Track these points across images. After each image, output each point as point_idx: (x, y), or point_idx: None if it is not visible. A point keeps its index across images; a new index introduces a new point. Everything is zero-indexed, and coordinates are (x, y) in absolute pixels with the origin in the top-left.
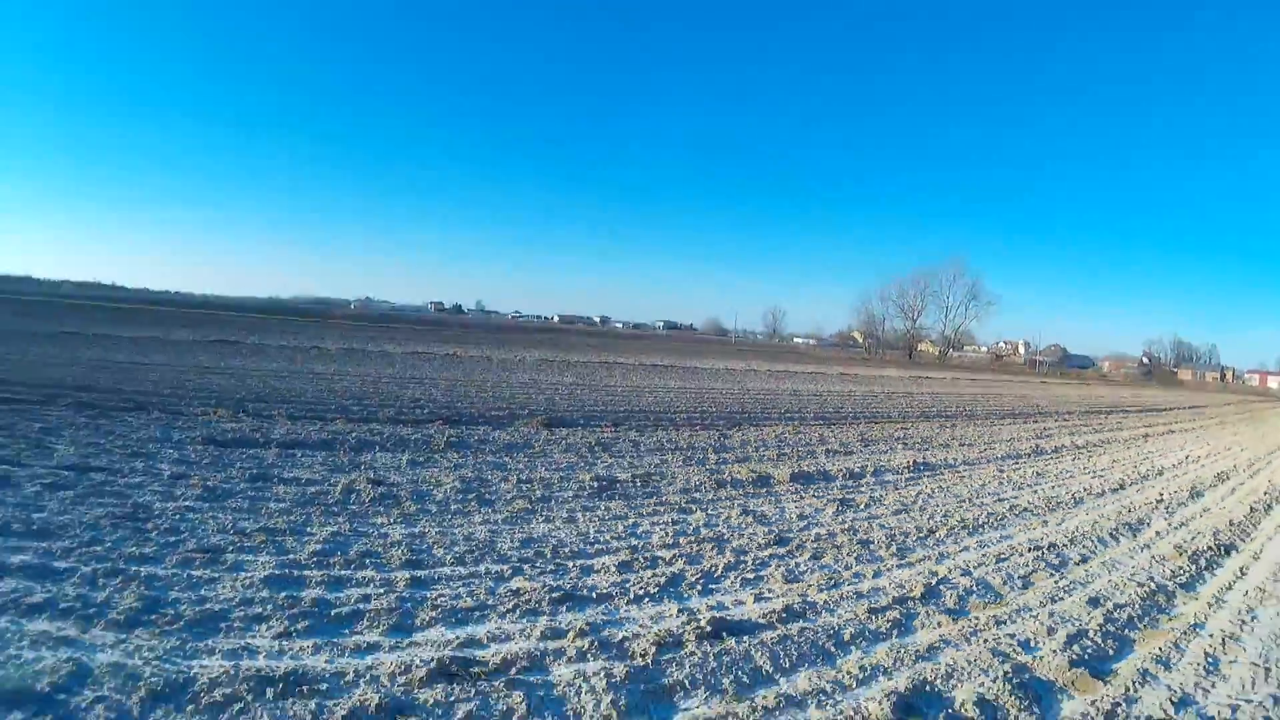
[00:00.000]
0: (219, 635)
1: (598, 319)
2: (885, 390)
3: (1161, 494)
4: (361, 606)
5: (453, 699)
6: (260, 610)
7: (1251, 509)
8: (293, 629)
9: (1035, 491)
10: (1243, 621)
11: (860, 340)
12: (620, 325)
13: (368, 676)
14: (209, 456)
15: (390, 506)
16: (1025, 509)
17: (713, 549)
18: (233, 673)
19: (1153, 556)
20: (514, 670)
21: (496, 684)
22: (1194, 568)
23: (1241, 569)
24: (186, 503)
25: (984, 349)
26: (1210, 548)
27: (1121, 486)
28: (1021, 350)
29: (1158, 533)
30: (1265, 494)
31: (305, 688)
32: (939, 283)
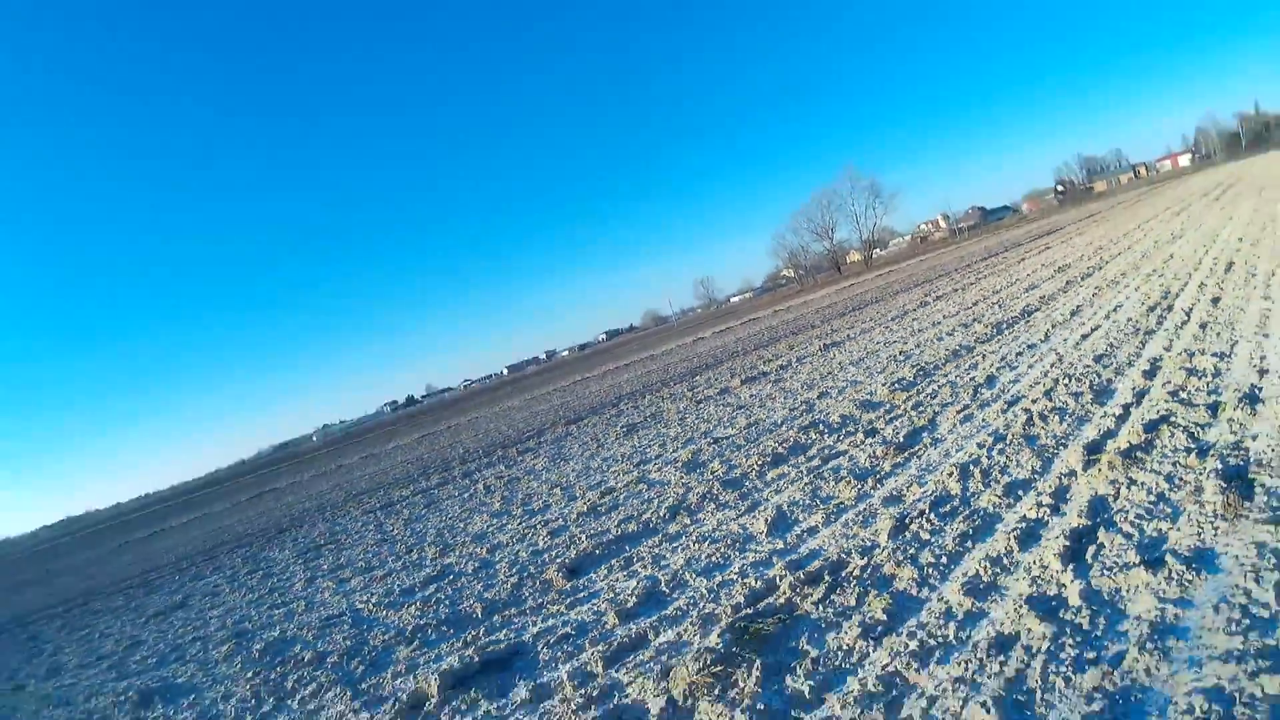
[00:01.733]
0: (592, 455)
1: (543, 354)
2: (810, 309)
3: (987, 299)
4: (589, 458)
5: (614, 491)
6: (579, 460)
7: (1059, 288)
8: (585, 456)
9: (906, 329)
10: (1010, 357)
11: (793, 275)
12: (565, 352)
13: (610, 467)
14: (434, 495)
15: (552, 460)
16: (894, 342)
17: (701, 422)
18: (600, 458)
19: (966, 336)
20: (635, 471)
21: (633, 480)
22: (994, 333)
23: (1028, 333)
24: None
25: (908, 237)
26: (1009, 320)
27: (975, 304)
28: (942, 223)
29: (967, 328)
30: (1057, 278)
31: (606, 489)
32: (840, 195)
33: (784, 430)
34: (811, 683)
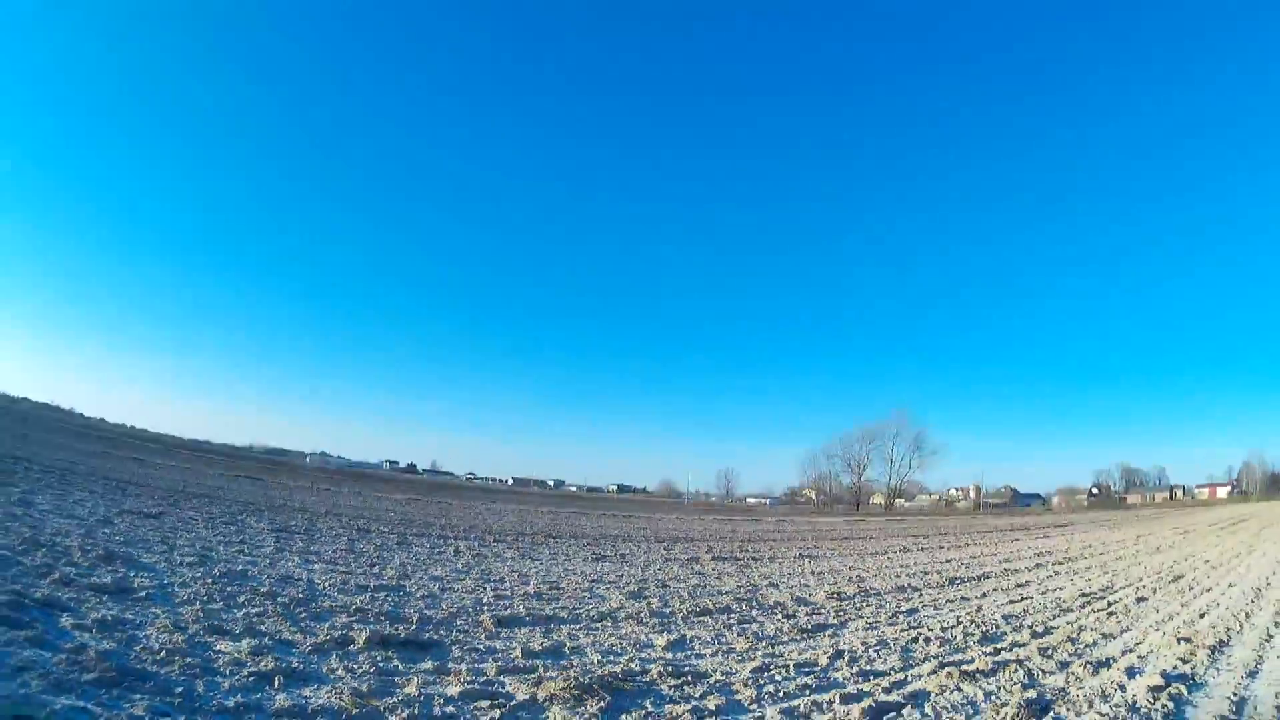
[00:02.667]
0: (557, 563)
1: (551, 481)
2: (810, 528)
3: (962, 560)
4: (554, 565)
5: (561, 589)
6: (544, 563)
7: (1027, 566)
8: (550, 562)
9: (877, 563)
10: (941, 602)
11: (812, 497)
12: (574, 488)
13: (568, 575)
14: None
15: (523, 555)
16: (858, 569)
17: (660, 573)
18: (563, 567)
19: (920, 580)
20: (586, 584)
21: (581, 588)
22: (945, 584)
23: (971, 590)
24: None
25: (934, 496)
26: (964, 578)
27: (948, 562)
28: (973, 494)
29: (926, 575)
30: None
31: (557, 587)
32: (883, 436)
33: (724, 598)
34: None
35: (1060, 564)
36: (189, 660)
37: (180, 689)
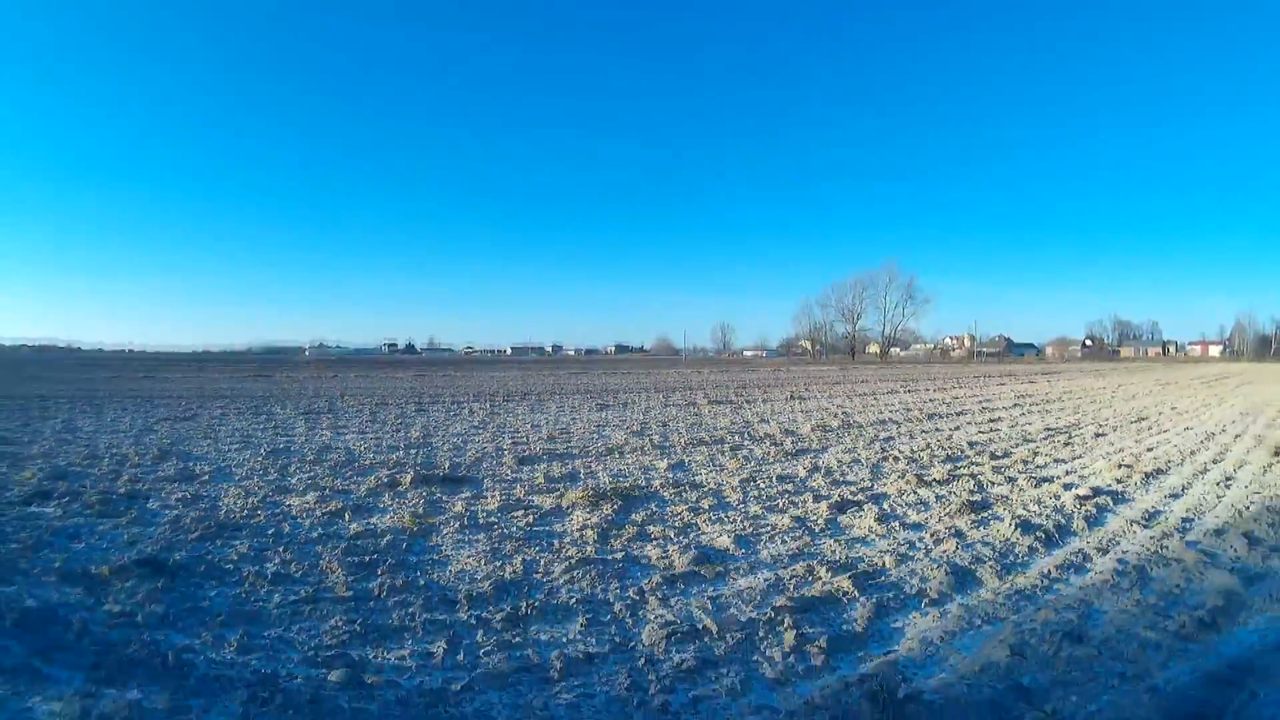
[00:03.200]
0: (565, 414)
1: (549, 347)
2: (804, 375)
3: (944, 400)
4: (562, 415)
5: (571, 433)
6: (552, 414)
7: (1003, 405)
8: (558, 413)
9: (864, 403)
10: (917, 433)
11: (808, 347)
12: (572, 351)
13: (576, 422)
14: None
15: (532, 410)
16: (845, 407)
17: (660, 415)
18: (571, 417)
19: (901, 415)
20: (593, 428)
21: (589, 431)
22: (924, 418)
23: (946, 424)
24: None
25: (929, 345)
26: (941, 413)
27: (931, 400)
28: (967, 342)
29: (908, 411)
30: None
31: (567, 432)
32: (876, 285)
33: (719, 432)
34: (643, 516)
35: (1036, 405)
36: (269, 513)
37: (271, 531)
